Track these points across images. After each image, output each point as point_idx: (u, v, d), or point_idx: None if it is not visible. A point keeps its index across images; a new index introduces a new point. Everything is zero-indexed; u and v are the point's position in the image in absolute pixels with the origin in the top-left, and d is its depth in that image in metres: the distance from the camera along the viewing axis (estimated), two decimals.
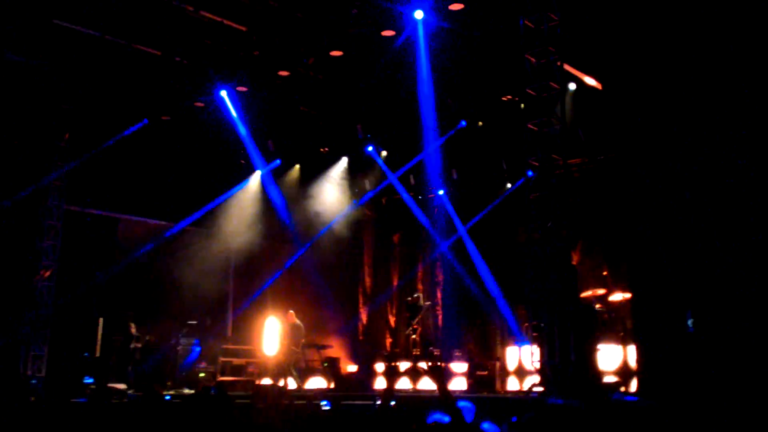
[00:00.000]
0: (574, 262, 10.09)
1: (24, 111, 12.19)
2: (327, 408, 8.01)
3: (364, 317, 15.11)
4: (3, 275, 11.57)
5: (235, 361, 13.40)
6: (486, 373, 11.72)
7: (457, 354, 12.12)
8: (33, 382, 10.62)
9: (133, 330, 12.09)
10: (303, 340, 11.03)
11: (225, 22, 11.20)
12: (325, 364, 11.99)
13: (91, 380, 11.31)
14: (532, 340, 10.26)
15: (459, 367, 11.93)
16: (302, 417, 8.70)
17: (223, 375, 12.82)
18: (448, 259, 13.88)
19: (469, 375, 11.72)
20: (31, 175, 12.34)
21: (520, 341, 11.46)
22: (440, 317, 14.11)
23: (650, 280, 8.67)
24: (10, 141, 11.96)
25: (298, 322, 11.26)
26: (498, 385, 11.54)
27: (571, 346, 9.21)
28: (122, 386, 10.87)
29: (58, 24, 10.90)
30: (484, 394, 11.01)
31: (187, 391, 11.00)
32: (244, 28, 11.48)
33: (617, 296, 10.41)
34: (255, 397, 10.02)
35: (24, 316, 11.79)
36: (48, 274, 12.28)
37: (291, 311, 11.40)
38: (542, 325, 10.05)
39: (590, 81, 12.02)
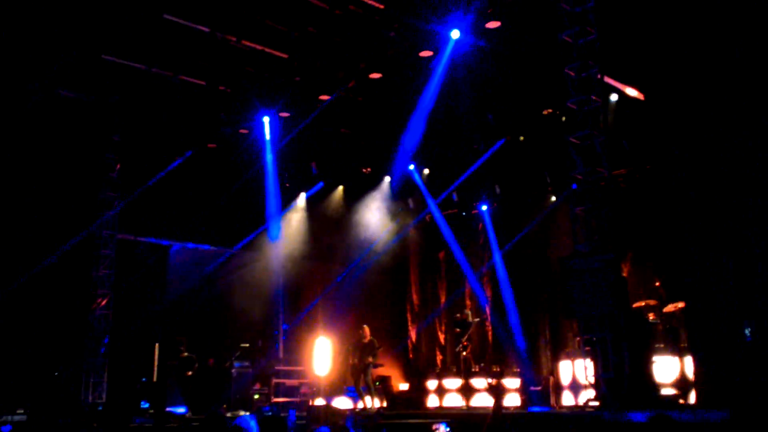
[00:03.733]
0: (624, 274, 9.98)
1: (77, 145, 12.63)
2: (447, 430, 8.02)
3: (413, 335, 15.13)
4: (61, 305, 11.93)
5: (288, 381, 13.59)
6: (540, 388, 11.62)
7: (508, 370, 12.06)
8: (100, 408, 10.90)
9: (185, 355, 12.32)
10: (371, 359, 10.98)
11: (266, 50, 11.49)
12: (378, 383, 12.03)
13: (147, 405, 11.57)
14: (585, 354, 10.17)
15: (512, 383, 11.85)
16: None
17: (276, 396, 13.00)
18: (495, 274, 13.86)
19: (523, 391, 11.64)
20: (85, 206, 12.75)
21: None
22: (490, 333, 14.05)
23: (705, 290, 8.54)
24: (65, 174, 12.38)
25: (371, 338, 11.25)
26: (552, 401, 11.43)
27: (625, 359, 9.11)
28: (181, 410, 11.09)
29: (106, 59, 11.31)
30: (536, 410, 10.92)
31: (242, 412, 11.14)
32: (285, 55, 11.76)
33: (671, 307, 10.25)
34: (309, 417, 10.17)
35: (83, 345, 12.13)
36: (104, 302, 12.64)
37: (365, 326, 11.39)
38: (594, 338, 9.96)
39: (631, 92, 11.97)
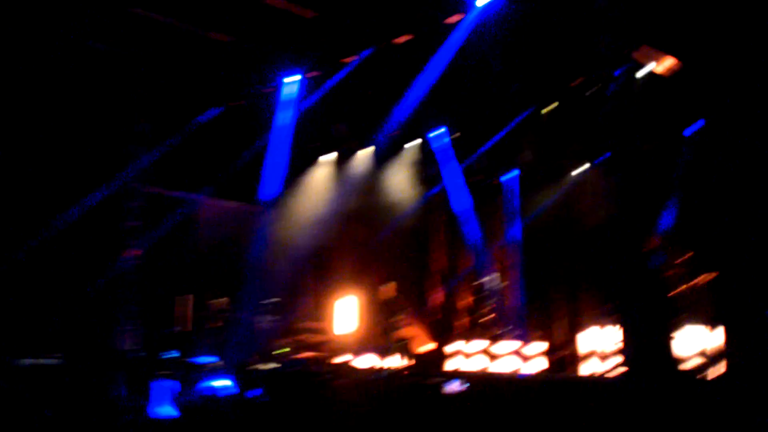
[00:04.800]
0: (653, 244, 10.03)
1: (104, 97, 12.71)
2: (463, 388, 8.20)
3: (436, 298, 15.29)
4: (93, 257, 12.14)
5: (312, 338, 13.85)
6: (565, 354, 11.80)
7: (534, 335, 12.22)
8: (141, 354, 11.23)
9: (215, 308, 12.64)
10: (398, 317, 11.16)
11: (294, 9, 11.42)
12: (401, 343, 12.25)
13: (177, 354, 11.88)
14: (612, 323, 10.30)
15: (537, 349, 11.99)
16: (379, 393, 8.99)
17: (299, 352, 13.28)
18: (521, 240, 13.96)
19: (548, 357, 11.81)
20: (115, 159, 12.88)
21: None
22: (515, 299, 14.18)
23: (736, 260, 8.59)
24: (93, 126, 12.49)
25: (397, 296, 11.42)
26: (574, 368, 11.61)
27: (652, 328, 9.21)
28: (211, 360, 11.39)
29: (133, 12, 11.31)
30: (560, 377, 11.11)
31: (271, 365, 11.43)
32: (314, 15, 11.69)
33: (699, 280, 10.31)
34: (334, 373, 10.40)
35: (115, 295, 12.39)
36: (134, 254, 12.83)
37: (392, 283, 11.51)
38: (619, 307, 10.08)
39: (666, 62, 11.83)
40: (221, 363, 11.52)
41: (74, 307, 11.34)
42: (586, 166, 13.46)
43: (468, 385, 8.82)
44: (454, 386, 8.49)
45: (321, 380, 9.40)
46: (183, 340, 12.17)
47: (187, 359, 11.48)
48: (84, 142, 12.11)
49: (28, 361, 9.55)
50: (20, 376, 8.94)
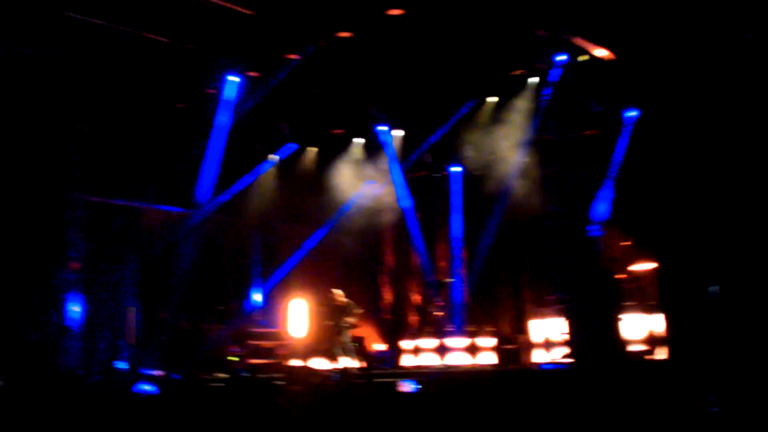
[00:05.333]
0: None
1: (41, 104, 12.30)
2: (416, 389, 8.14)
3: (387, 296, 15.30)
4: (33, 270, 11.75)
5: (264, 343, 13.71)
6: (514, 346, 11.95)
7: (484, 329, 12.34)
8: (81, 372, 10.90)
9: (165, 317, 12.40)
10: (348, 320, 11.13)
11: (233, 6, 11.24)
12: (354, 344, 12.23)
13: (125, 366, 11.62)
14: (558, 312, 10.46)
15: (487, 342, 12.13)
16: (335, 395, 8.93)
17: (253, 358, 13.12)
18: (467, 236, 14.07)
19: (498, 349, 11.95)
20: (53, 168, 12.48)
21: None
22: (466, 294, 14.29)
23: (676, 249, 8.80)
24: (30, 134, 12.08)
25: (346, 300, 11.36)
26: (525, 358, 11.77)
27: (595, 317, 9.39)
28: (156, 372, 11.15)
29: (68, 16, 10.97)
30: (511, 368, 11.25)
31: (220, 375, 11.26)
32: (252, 12, 11.53)
33: (641, 266, 10.55)
34: (287, 379, 10.29)
35: (55, 309, 12.02)
36: (76, 266, 12.48)
37: (337, 289, 11.45)
38: (566, 297, 10.24)
39: (601, 52, 12.04)
40: (168, 374, 11.30)
41: (13, 323, 10.96)
42: (525, 157, 13.64)
43: (420, 386, 8.84)
44: (408, 384, 8.48)
45: (274, 385, 9.29)
46: (130, 353, 11.90)
47: (136, 371, 11.24)
48: (22, 151, 11.70)
49: None
50: None
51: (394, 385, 8.59)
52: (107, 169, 12.98)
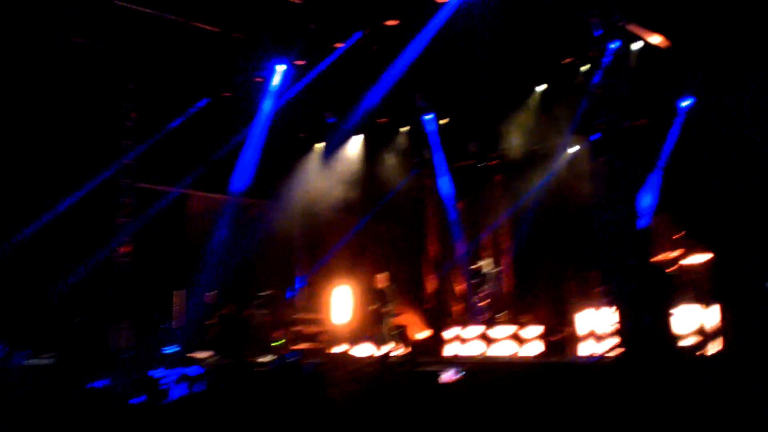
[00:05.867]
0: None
1: (92, 92, 12.55)
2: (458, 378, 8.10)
3: (431, 285, 15.24)
4: (84, 255, 12.02)
5: (307, 329, 13.84)
6: (559, 337, 11.77)
7: (528, 319, 12.18)
8: (132, 353, 11.16)
9: (212, 302, 12.61)
10: (389, 307, 11.17)
11: None
12: (396, 332, 12.21)
13: (173, 350, 11.82)
14: (606, 304, 10.26)
15: (532, 332, 11.97)
16: (376, 382, 8.95)
17: (296, 343, 13.25)
18: (514, 225, 13.91)
19: (543, 340, 11.78)
20: (104, 155, 12.74)
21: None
22: (510, 283, 14.14)
23: (731, 241, 8.54)
24: (81, 122, 12.34)
25: (389, 286, 11.38)
26: (571, 350, 11.58)
27: (646, 310, 9.18)
28: (205, 354, 11.35)
29: (119, 5, 11.14)
30: (556, 359, 11.10)
31: (264, 359, 11.39)
32: (299, 1, 11.56)
33: (693, 258, 10.26)
34: (329, 365, 10.35)
35: (107, 293, 12.30)
36: (126, 250, 12.74)
37: (382, 274, 11.46)
38: (615, 289, 10.04)
39: (655, 39, 11.72)
40: (217, 357, 11.50)
41: (66, 305, 11.25)
42: (576, 147, 13.39)
43: (464, 372, 8.77)
44: (451, 373, 8.44)
45: (318, 371, 9.35)
46: (179, 336, 12.12)
47: (185, 354, 11.44)
48: (72, 138, 11.96)
49: (21, 361, 9.49)
50: (14, 376, 8.87)
51: (436, 374, 8.57)
52: (154, 155, 13.19)
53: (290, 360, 10.48)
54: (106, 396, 8.34)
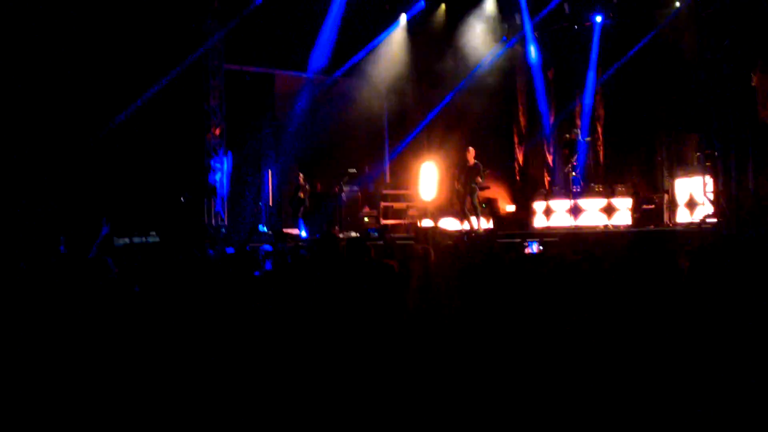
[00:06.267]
0: (753, 83, 9.12)
1: None
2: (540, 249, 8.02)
3: (520, 157, 14.84)
4: (179, 137, 12.42)
5: (396, 205, 14.00)
6: (653, 206, 11.31)
7: (621, 189, 11.70)
8: (223, 231, 11.70)
9: (301, 180, 12.89)
10: (478, 180, 11.03)
11: None
12: (484, 205, 12.11)
13: (265, 228, 12.31)
14: (706, 170, 9.68)
15: (624, 202, 11.54)
16: (463, 256, 8.97)
17: (385, 218, 13.46)
18: (608, 91, 13.11)
19: (635, 209, 11.36)
20: (191, 38, 12.82)
21: None
22: (601, 153, 13.55)
23: None
24: (167, 6, 12.36)
25: (476, 160, 11.23)
26: (666, 218, 11.13)
27: (749, 175, 8.60)
28: (296, 231, 11.76)
29: None
30: (650, 228, 10.70)
31: (353, 234, 11.67)
32: None
33: None
34: (417, 239, 10.47)
35: (201, 172, 12.79)
36: (218, 131, 13.09)
37: (470, 148, 11.30)
38: (716, 153, 9.43)
39: None
40: (306, 233, 11.88)
41: (165, 186, 11.77)
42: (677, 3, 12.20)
43: (550, 243, 8.64)
44: (538, 245, 8.33)
45: (404, 245, 9.46)
46: (270, 213, 12.57)
47: (275, 229, 11.87)
48: (158, 22, 12.06)
49: (126, 240, 10.08)
50: (120, 254, 9.48)
51: (523, 246, 8.47)
52: (240, 36, 13.16)
53: (374, 234, 10.67)
54: (207, 267, 8.81)
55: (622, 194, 11.56)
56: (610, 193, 11.73)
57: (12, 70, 10.03)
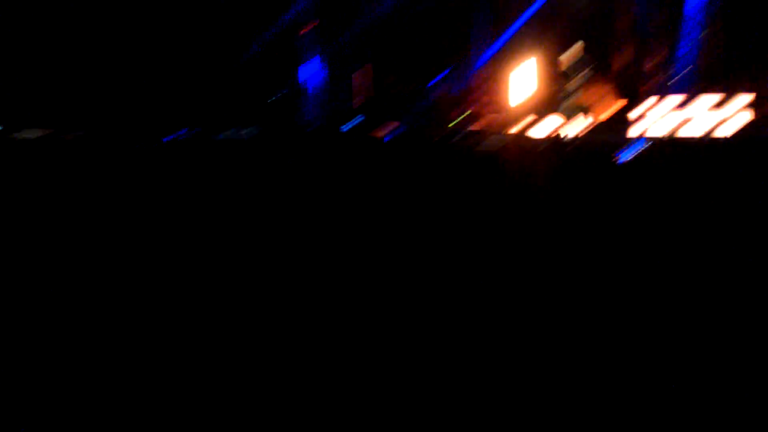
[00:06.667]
0: None
1: None
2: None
3: (622, 57, 13.96)
4: (271, 35, 12.42)
5: (487, 106, 13.63)
6: None
7: (734, 93, 10.84)
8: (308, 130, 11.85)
9: (391, 78, 12.78)
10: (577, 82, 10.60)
11: None
12: (582, 109, 11.66)
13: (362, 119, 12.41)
14: None
15: (741, 100, 10.66)
16: (552, 161, 8.75)
17: (475, 120, 13.19)
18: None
19: (755, 109, 10.48)
20: None
21: None
22: (714, 51, 12.51)
23: None
24: None
25: (574, 63, 10.75)
26: None
27: None
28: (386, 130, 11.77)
29: None
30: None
31: (440, 135, 11.55)
32: None
33: None
34: (508, 142, 10.26)
35: (293, 71, 12.87)
36: (310, 27, 12.98)
37: (579, 43, 10.76)
38: None
39: None
40: (403, 129, 11.86)
41: (258, 83, 11.95)
42: None
43: (649, 149, 8.29)
44: (629, 153, 7.99)
45: (491, 150, 9.36)
46: (366, 108, 12.56)
47: (366, 130, 11.92)
48: None
49: (224, 134, 10.43)
50: (217, 149, 9.81)
51: (618, 153, 8.16)
52: None
53: (461, 137, 10.53)
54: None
55: (739, 94, 10.62)
56: (721, 97, 10.90)
57: None
